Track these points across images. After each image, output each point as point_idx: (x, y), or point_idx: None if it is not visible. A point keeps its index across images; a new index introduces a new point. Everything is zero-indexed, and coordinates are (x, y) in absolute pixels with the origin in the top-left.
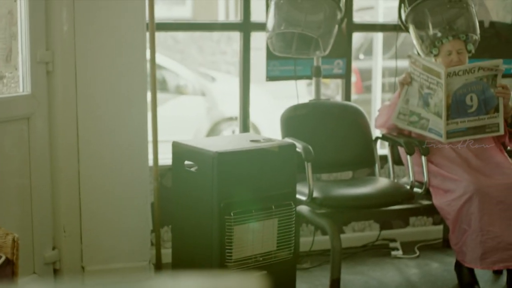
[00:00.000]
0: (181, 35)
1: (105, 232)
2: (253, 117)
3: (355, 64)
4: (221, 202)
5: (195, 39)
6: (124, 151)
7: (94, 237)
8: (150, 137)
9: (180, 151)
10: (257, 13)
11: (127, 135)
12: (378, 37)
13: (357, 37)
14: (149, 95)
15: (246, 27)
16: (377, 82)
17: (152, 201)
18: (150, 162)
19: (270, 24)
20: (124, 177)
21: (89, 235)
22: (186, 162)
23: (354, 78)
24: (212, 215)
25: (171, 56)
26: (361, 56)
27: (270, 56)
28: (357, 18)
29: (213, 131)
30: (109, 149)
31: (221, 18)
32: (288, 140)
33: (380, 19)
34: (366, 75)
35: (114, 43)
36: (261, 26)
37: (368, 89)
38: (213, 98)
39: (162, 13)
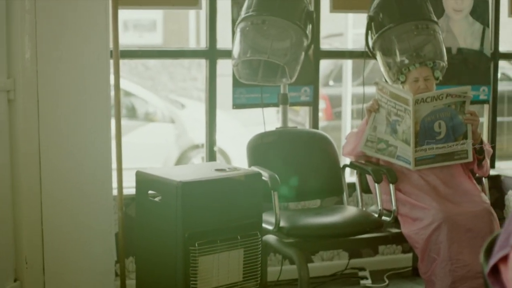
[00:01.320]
0: (151, 61)
1: (68, 263)
2: (223, 144)
3: (325, 91)
4: (186, 233)
5: (166, 66)
6: (88, 180)
7: (57, 268)
8: (115, 165)
9: (143, 180)
10: (224, 40)
11: (91, 164)
12: (348, 64)
13: (327, 64)
14: (114, 122)
15: (212, 54)
16: (347, 108)
17: (116, 231)
18: (116, 191)
19: (236, 51)
20: (88, 207)
21: (52, 266)
22: (150, 192)
23: (324, 105)
24: (177, 245)
25: (141, 82)
26: (331, 83)
27: (236, 83)
28: (326, 44)
29: (182, 158)
30: (72, 178)
31: (192, 45)
32: (254, 169)
33: (350, 45)
34: (336, 101)
35: (77, 70)
36: (227, 53)
37: (338, 115)
38: (182, 125)
39: (133, 40)
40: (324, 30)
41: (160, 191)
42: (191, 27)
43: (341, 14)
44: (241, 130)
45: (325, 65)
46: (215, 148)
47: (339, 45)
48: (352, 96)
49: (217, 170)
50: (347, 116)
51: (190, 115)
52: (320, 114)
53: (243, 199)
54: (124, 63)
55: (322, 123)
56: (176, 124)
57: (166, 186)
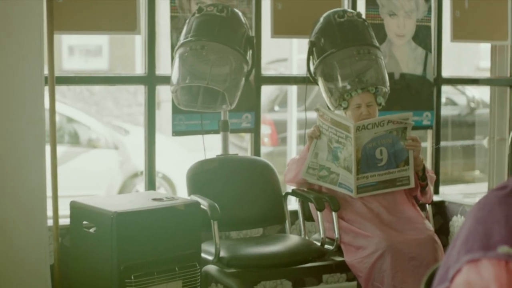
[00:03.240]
0: (97, 87)
1: None
2: (168, 171)
3: (270, 116)
4: (121, 265)
5: (111, 91)
6: (21, 210)
7: None
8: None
9: (78, 210)
10: (168, 66)
11: (24, 192)
12: (292, 89)
13: (272, 89)
14: (49, 149)
15: (150, 80)
16: (292, 134)
17: (52, 263)
18: (51, 221)
19: (174, 78)
20: (21, 237)
21: None
22: (85, 222)
23: (269, 130)
24: (112, 278)
25: (86, 108)
26: (276, 108)
27: (175, 110)
28: (272, 70)
29: (126, 185)
30: (4, 208)
31: (138, 70)
32: (193, 197)
33: (294, 71)
34: (281, 127)
35: (10, 96)
36: (167, 79)
37: (283, 141)
38: (126, 152)
39: (79, 65)
40: (269, 55)
41: (95, 221)
42: (138, 52)
43: (286, 39)
44: (186, 156)
45: (270, 90)
46: (160, 175)
47: (284, 70)
48: (298, 122)
49: (154, 199)
50: (292, 142)
51: (134, 141)
52: (266, 139)
53: (181, 229)
54: (69, 88)
55: (267, 148)
56: (120, 151)
57: (100, 216)
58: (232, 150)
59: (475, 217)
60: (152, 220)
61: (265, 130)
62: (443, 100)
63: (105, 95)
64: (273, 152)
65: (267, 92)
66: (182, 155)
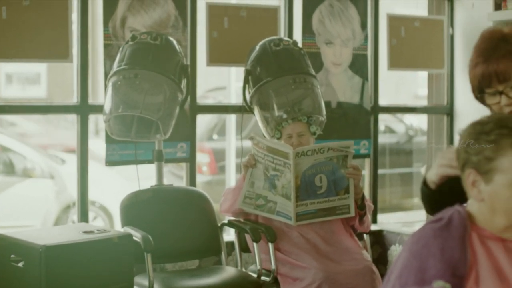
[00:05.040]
0: (35, 115)
1: None
2: (105, 201)
3: (209, 145)
4: None
5: (49, 120)
6: None
7: None
8: None
9: (5, 244)
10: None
11: None
12: (231, 118)
13: (211, 118)
14: None
15: (83, 109)
16: (231, 162)
17: None
18: None
19: (107, 107)
20: None
21: None
22: (13, 256)
23: (208, 159)
24: None
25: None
26: (215, 137)
27: (109, 139)
28: (211, 98)
29: (62, 215)
30: None
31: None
32: (127, 229)
33: (233, 99)
34: (220, 155)
35: None
36: (100, 108)
37: (222, 169)
38: (62, 181)
39: (16, 92)
40: (208, 83)
41: (23, 255)
42: (76, 80)
43: (225, 68)
44: (125, 186)
45: (208, 119)
46: (98, 205)
47: (223, 98)
48: (236, 150)
49: (85, 232)
50: (231, 170)
51: (70, 170)
52: (204, 168)
53: (113, 262)
54: (5, 117)
55: (206, 177)
56: (56, 180)
57: (28, 250)
58: (170, 179)
59: (410, 250)
60: (82, 254)
61: (204, 159)
62: (381, 128)
63: (43, 123)
64: (212, 180)
65: (206, 120)
66: (120, 185)
